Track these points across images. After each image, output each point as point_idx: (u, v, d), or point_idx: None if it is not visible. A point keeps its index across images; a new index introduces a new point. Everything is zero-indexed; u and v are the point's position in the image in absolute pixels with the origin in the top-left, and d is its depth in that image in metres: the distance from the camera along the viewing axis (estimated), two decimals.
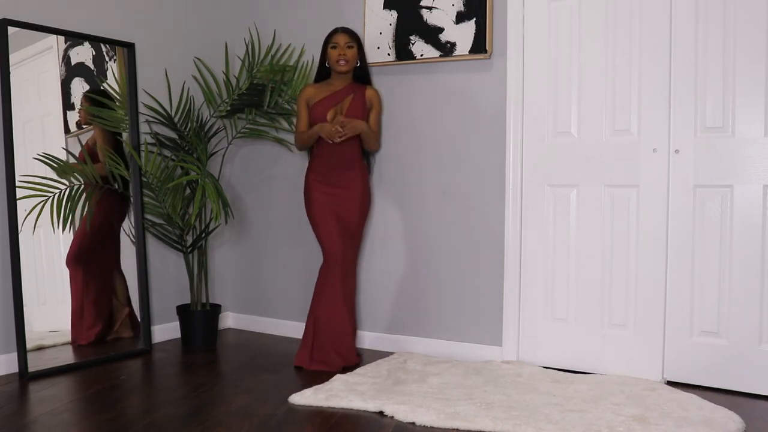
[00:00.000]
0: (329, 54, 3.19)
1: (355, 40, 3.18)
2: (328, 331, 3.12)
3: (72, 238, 3.19)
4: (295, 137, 3.31)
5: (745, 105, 2.73)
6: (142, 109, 3.47)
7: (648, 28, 2.88)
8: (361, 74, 3.27)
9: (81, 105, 3.21)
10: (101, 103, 3.28)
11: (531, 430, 2.28)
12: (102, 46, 3.29)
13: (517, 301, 3.18)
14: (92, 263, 3.28)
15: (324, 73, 3.28)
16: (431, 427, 2.37)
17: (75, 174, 3.14)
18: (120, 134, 3.36)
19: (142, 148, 3.38)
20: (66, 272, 3.18)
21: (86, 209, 3.17)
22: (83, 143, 3.21)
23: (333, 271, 3.12)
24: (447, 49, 3.24)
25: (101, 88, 3.30)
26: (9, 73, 2.90)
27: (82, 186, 3.17)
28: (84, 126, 3.23)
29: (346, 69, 3.17)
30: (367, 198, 3.28)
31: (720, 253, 2.80)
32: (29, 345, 2.95)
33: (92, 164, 3.20)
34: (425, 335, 3.40)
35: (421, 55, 3.29)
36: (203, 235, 3.51)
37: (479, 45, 3.16)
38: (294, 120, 3.56)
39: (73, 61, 3.19)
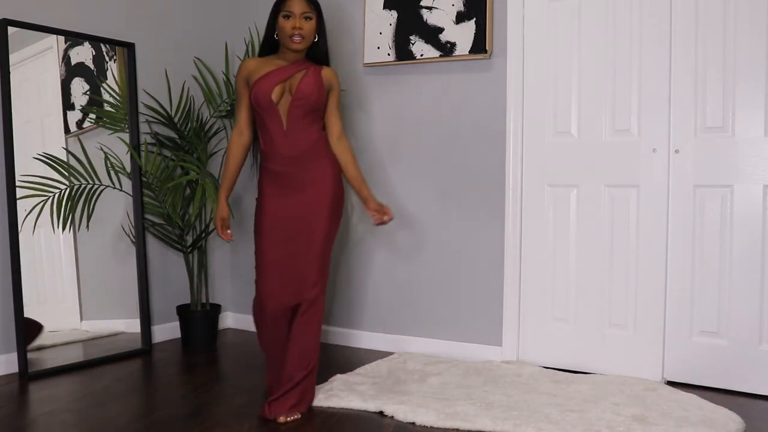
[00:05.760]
0: (280, 24, 2.50)
1: (314, 9, 2.53)
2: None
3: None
4: (231, 135, 2.62)
5: (745, 105, 2.73)
6: (142, 109, 3.46)
7: (648, 28, 2.88)
8: (318, 53, 2.60)
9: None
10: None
11: (531, 430, 2.28)
12: (102, 46, 3.29)
13: (517, 301, 3.18)
14: None
15: (270, 47, 2.60)
16: (431, 427, 2.37)
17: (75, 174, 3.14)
18: None
19: (142, 148, 3.38)
20: (66, 272, 3.18)
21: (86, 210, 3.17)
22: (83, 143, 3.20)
23: (265, 315, 2.58)
24: (447, 49, 3.24)
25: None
26: (9, 73, 2.90)
27: (83, 186, 3.16)
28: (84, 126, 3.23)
29: (301, 47, 2.50)
30: (339, 200, 2.59)
31: (720, 253, 2.79)
32: (29, 345, 2.95)
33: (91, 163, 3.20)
34: (425, 335, 3.40)
35: (421, 55, 3.29)
36: (203, 235, 3.51)
37: (479, 45, 3.16)
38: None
39: (73, 61, 3.19)
